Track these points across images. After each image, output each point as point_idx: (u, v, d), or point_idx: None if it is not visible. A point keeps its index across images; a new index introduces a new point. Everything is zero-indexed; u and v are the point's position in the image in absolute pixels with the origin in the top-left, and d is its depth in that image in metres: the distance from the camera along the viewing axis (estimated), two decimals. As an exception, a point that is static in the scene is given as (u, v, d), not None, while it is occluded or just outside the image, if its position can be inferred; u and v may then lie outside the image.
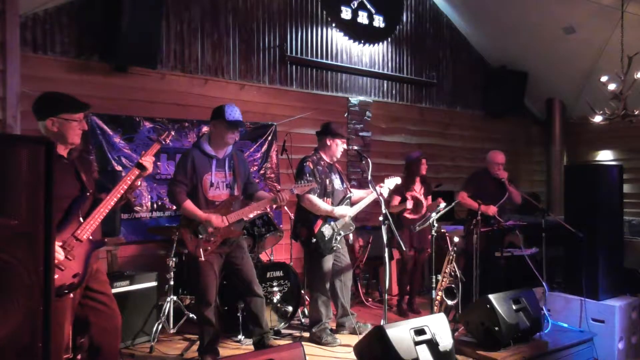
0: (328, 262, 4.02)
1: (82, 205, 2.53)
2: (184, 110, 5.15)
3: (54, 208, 2.33)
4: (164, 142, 2.88)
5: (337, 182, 4.11)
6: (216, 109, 3.56)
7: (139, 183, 2.81)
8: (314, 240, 3.91)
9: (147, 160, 2.68)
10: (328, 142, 4.07)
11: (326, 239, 3.94)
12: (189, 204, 3.38)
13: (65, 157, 2.54)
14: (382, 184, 4.17)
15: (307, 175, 3.92)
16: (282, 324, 4.34)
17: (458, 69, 7.69)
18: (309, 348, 3.81)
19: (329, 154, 4.11)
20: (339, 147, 4.09)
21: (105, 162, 4.61)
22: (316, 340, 4.00)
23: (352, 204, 4.15)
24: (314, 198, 3.89)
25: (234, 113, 3.52)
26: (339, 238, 4.02)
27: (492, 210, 4.71)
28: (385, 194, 4.12)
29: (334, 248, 4.00)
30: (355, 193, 4.26)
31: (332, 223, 3.98)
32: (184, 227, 3.45)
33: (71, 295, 2.42)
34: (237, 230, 3.56)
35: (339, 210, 3.97)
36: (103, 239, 2.63)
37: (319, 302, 4.03)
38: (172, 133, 2.95)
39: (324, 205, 3.93)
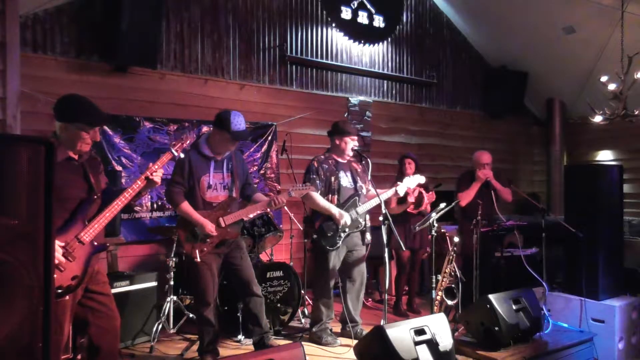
0: (332, 260, 3.94)
1: (88, 208, 2.53)
2: (184, 110, 5.16)
3: (61, 209, 2.36)
4: (175, 154, 2.81)
5: (345, 180, 4.03)
6: (221, 117, 3.43)
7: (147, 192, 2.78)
8: (315, 236, 3.89)
9: (157, 175, 2.65)
10: (337, 142, 4.06)
11: (328, 235, 3.89)
12: (185, 206, 3.38)
13: (76, 159, 2.54)
14: (399, 183, 4.18)
15: (311, 173, 3.92)
16: (282, 324, 4.33)
17: (458, 69, 7.70)
18: (309, 348, 3.81)
19: (340, 153, 4.08)
20: (348, 144, 4.03)
21: (106, 162, 4.61)
22: (316, 340, 3.99)
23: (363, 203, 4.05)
24: (314, 194, 3.85)
25: (240, 124, 3.42)
26: (343, 235, 3.93)
27: (485, 173, 4.75)
28: (402, 192, 4.15)
29: (338, 245, 3.93)
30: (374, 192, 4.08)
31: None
32: (180, 228, 3.46)
33: (67, 297, 2.41)
34: (235, 231, 3.56)
35: (336, 211, 3.86)
36: (105, 243, 2.63)
37: (320, 302, 4.02)
38: (184, 145, 2.86)
39: (323, 202, 3.89)
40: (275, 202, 3.44)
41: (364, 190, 4.12)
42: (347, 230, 3.95)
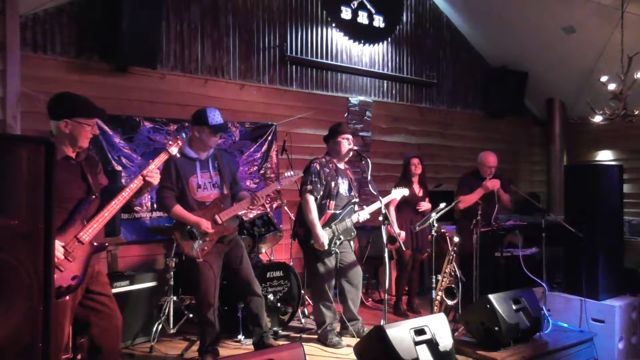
0: (327, 263, 3.96)
1: (86, 208, 2.52)
2: (184, 110, 5.14)
3: (59, 209, 2.36)
4: (172, 153, 2.81)
5: (343, 187, 4.04)
6: (197, 114, 3.52)
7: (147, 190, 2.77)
8: (312, 242, 3.89)
9: (153, 175, 2.65)
10: (333, 144, 4.06)
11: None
12: (178, 209, 3.39)
13: (73, 159, 2.54)
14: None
15: (313, 175, 3.90)
16: (282, 324, 4.33)
17: (458, 69, 7.70)
18: (309, 348, 3.81)
19: (337, 155, 4.06)
20: (343, 143, 4.01)
21: (106, 162, 4.61)
22: (322, 341, 3.97)
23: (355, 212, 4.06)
24: (310, 201, 3.85)
25: (216, 117, 3.49)
26: (338, 242, 3.96)
27: (494, 184, 4.68)
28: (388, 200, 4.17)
29: (333, 252, 3.95)
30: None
31: (333, 227, 3.94)
32: (177, 230, 3.46)
33: (67, 297, 2.41)
34: (232, 226, 3.57)
35: (320, 232, 3.82)
36: (105, 243, 2.63)
37: (319, 304, 4.00)
38: (180, 143, 2.89)
39: (313, 215, 3.83)
40: (255, 199, 3.49)
41: (356, 200, 4.14)
42: (342, 237, 3.97)
